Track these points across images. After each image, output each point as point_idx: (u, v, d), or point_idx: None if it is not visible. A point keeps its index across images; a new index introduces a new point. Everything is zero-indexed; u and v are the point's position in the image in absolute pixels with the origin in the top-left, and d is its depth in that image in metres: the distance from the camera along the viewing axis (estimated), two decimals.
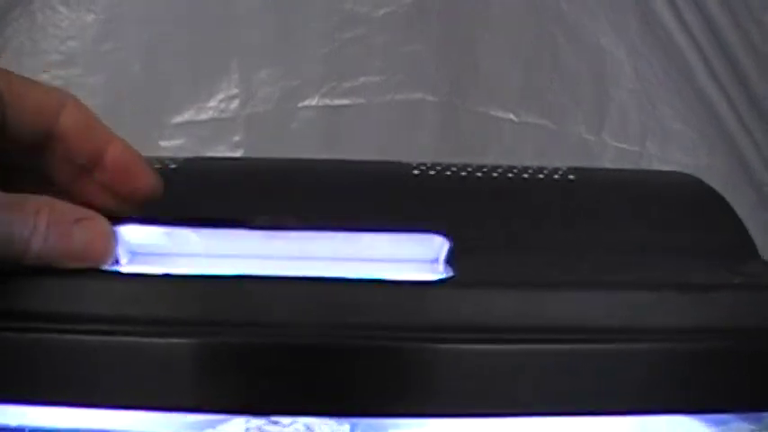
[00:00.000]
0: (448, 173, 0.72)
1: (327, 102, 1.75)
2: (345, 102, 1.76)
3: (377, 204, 0.68)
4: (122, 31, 1.68)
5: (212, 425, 0.56)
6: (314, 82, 1.76)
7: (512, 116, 1.77)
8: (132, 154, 0.63)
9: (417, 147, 1.82)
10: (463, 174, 0.72)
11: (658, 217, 0.70)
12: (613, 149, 1.76)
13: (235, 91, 1.72)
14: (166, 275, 0.54)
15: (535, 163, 0.78)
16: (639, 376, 0.54)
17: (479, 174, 0.72)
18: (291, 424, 0.56)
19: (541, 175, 0.72)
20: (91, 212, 0.56)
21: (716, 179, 1.65)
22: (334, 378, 0.51)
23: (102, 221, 0.56)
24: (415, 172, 0.72)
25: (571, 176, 0.72)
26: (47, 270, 0.53)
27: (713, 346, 0.54)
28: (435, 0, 1.74)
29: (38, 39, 1.66)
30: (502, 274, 0.58)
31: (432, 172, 0.72)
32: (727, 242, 0.67)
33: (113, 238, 0.55)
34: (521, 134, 1.78)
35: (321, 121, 1.76)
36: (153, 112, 1.70)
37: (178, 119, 1.71)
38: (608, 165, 1.74)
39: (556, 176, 0.72)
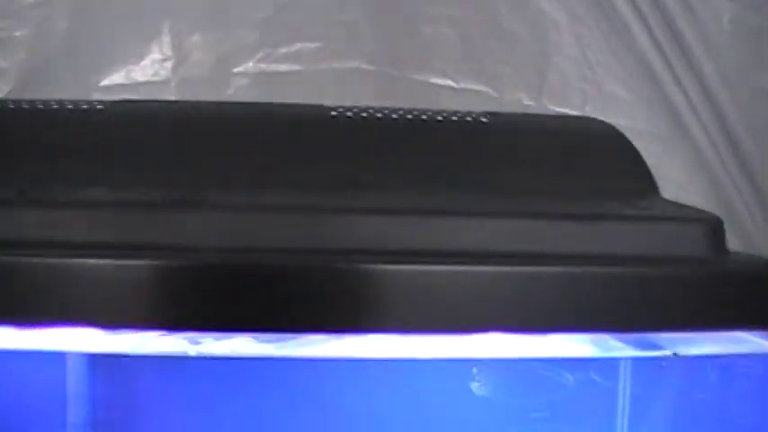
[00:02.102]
0: (364, 114, 0.81)
1: (263, 68, 1.81)
2: (281, 68, 1.82)
3: (299, 143, 0.77)
4: None
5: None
6: (249, 47, 1.83)
7: (451, 83, 1.84)
8: None
9: None
10: (379, 115, 0.81)
11: (567, 156, 0.79)
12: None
13: (167, 54, 1.78)
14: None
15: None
16: (541, 298, 0.63)
17: (395, 115, 0.81)
18: None
19: (455, 117, 0.81)
20: None
21: (655, 142, 1.77)
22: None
23: None
24: (333, 113, 0.81)
25: (484, 119, 0.81)
26: None
27: (599, 271, 0.64)
28: None
29: None
30: (414, 205, 0.67)
31: (349, 114, 0.81)
32: (629, 181, 0.76)
33: None
34: (460, 101, 1.86)
35: (256, 87, 1.83)
36: (81, 73, 1.76)
37: (107, 81, 1.76)
38: None
39: (469, 119, 0.81)
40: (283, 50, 1.84)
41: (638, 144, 1.80)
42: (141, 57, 1.78)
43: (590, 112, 1.85)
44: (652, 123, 1.84)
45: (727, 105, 1.85)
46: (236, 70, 1.81)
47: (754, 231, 1.94)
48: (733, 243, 1.76)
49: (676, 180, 1.78)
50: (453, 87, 1.86)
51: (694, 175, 1.79)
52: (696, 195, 1.79)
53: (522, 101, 1.86)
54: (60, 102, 0.83)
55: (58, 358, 0.66)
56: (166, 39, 1.80)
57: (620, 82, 1.85)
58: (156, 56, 1.79)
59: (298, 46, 1.84)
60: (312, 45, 1.84)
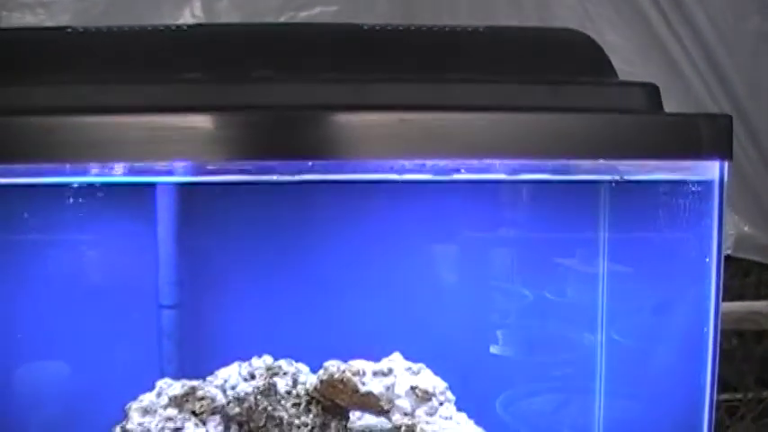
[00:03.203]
0: (389, 28, 1.14)
1: None
2: None
3: (339, 45, 1.10)
4: None
5: None
6: (274, 11, 2.14)
7: None
8: None
9: None
10: (401, 28, 1.14)
11: (548, 52, 1.12)
12: None
13: (198, 17, 2.10)
14: None
15: None
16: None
17: (412, 28, 1.14)
18: None
19: (459, 29, 1.14)
20: None
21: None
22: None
23: None
24: (365, 27, 1.14)
25: (481, 29, 1.14)
26: None
27: (553, 118, 0.97)
28: None
29: None
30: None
31: (377, 27, 1.14)
32: (593, 69, 1.09)
33: None
34: None
35: None
36: None
37: None
38: None
39: (470, 29, 1.14)
40: (305, 14, 2.15)
41: None
42: (175, 19, 2.09)
43: None
44: (648, 68, 2.15)
45: (718, 48, 2.17)
46: None
47: (747, 166, 2.25)
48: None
49: None
50: None
51: (685, 107, 2.10)
52: None
53: None
54: (153, 25, 1.16)
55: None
56: (197, 3, 2.11)
57: (618, 31, 2.16)
58: (188, 18, 2.10)
59: (318, 9, 2.16)
60: (331, 8, 2.15)
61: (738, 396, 2.52)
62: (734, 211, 2.23)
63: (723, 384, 2.39)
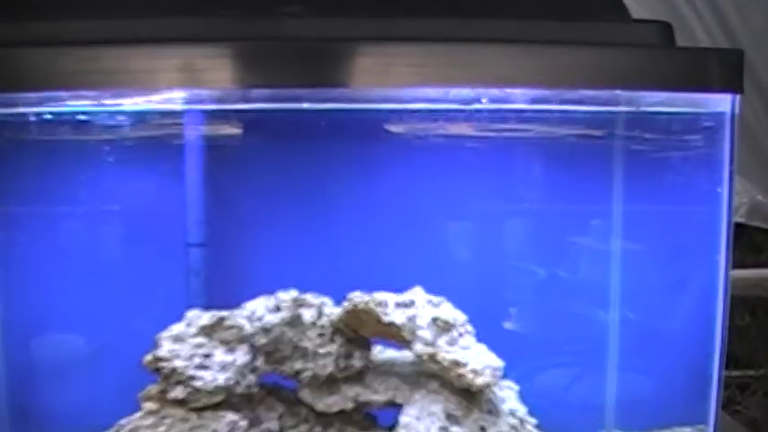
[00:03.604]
0: None
1: None
2: None
3: None
4: None
5: None
6: None
7: None
8: None
9: None
10: None
11: None
12: None
13: None
14: None
15: None
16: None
17: None
18: None
19: None
20: None
21: None
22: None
23: None
24: None
25: None
26: None
27: (573, 49, 1.03)
28: None
29: None
30: None
31: None
32: (610, 11, 1.15)
33: None
34: None
35: None
36: None
37: None
38: None
39: None
40: None
41: None
42: None
43: None
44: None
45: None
46: None
47: (760, 132, 2.31)
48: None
49: None
50: None
51: None
52: None
53: None
54: None
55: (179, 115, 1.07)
56: None
57: None
58: None
59: None
60: None
61: (750, 372, 2.56)
62: (746, 178, 2.28)
63: (735, 361, 2.44)
